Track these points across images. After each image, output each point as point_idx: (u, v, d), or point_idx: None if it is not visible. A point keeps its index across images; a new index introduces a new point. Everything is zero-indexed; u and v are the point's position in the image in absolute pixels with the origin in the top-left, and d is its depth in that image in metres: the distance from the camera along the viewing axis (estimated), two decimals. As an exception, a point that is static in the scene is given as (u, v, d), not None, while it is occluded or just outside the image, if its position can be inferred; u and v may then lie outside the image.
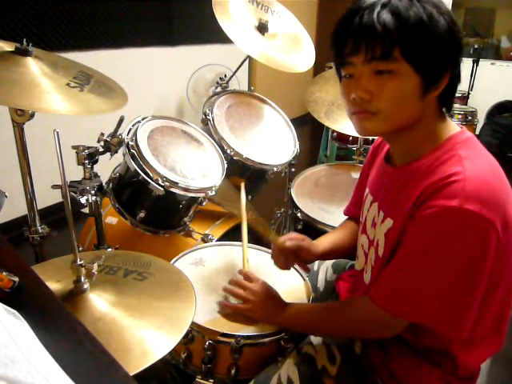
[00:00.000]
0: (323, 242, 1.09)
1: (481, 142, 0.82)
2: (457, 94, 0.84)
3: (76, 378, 0.44)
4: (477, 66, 3.93)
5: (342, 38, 0.77)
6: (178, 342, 0.71)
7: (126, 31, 2.88)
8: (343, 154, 2.99)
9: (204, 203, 1.37)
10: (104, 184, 1.34)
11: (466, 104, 3.82)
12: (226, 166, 1.45)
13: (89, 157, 1.27)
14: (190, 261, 1.18)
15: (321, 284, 1.18)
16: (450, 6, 4.16)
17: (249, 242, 1.29)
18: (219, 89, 1.76)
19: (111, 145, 1.31)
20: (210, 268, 1.16)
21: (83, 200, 1.25)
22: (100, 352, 0.50)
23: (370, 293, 0.83)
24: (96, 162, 1.30)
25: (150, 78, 3.12)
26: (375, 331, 0.86)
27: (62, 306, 0.56)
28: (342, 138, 2.75)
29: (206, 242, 1.41)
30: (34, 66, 1.04)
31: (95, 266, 0.76)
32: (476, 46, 4.08)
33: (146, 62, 3.06)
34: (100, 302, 0.75)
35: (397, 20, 0.71)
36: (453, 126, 0.82)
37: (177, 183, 1.27)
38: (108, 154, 1.33)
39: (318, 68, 2.32)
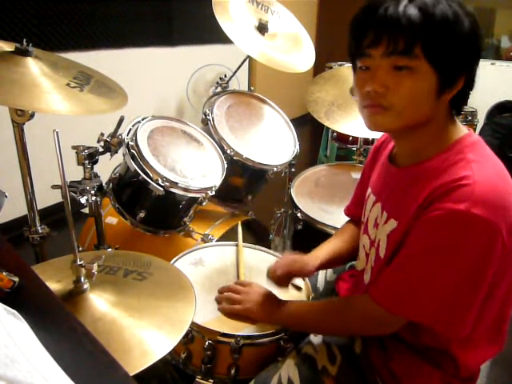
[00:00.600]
0: (319, 255, 1.06)
1: (482, 143, 0.81)
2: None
3: (76, 378, 0.44)
4: (477, 65, 3.92)
5: (363, 29, 0.75)
6: (177, 342, 0.71)
7: (126, 31, 2.88)
8: (343, 154, 2.99)
9: (204, 203, 1.37)
10: (104, 184, 1.33)
11: (466, 104, 3.80)
12: (225, 166, 1.45)
13: (89, 157, 1.27)
14: (189, 261, 1.18)
15: (320, 284, 1.18)
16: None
17: (248, 241, 1.29)
18: (219, 89, 1.76)
19: (111, 145, 1.31)
20: (209, 268, 1.16)
21: (83, 200, 1.25)
22: (100, 352, 0.50)
23: (370, 291, 0.83)
24: (96, 162, 1.30)
25: (150, 78, 3.11)
26: (374, 329, 0.86)
27: (62, 306, 0.56)
28: (342, 138, 2.75)
29: (205, 242, 1.41)
30: (34, 66, 1.04)
31: (95, 266, 0.76)
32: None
33: (146, 61, 3.06)
34: (100, 302, 0.75)
35: (423, 16, 0.70)
36: (461, 129, 0.82)
37: (177, 183, 1.27)
38: (108, 154, 1.33)
39: (318, 68, 2.32)
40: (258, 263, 1.20)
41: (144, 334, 0.71)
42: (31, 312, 0.49)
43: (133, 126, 1.34)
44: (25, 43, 1.05)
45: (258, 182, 1.67)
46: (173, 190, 1.27)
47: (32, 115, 1.09)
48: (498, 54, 4.57)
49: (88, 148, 1.26)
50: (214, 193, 1.36)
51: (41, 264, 0.94)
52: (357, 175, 1.78)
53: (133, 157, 1.26)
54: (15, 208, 1.71)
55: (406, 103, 0.74)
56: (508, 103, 3.88)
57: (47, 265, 0.93)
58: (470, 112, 3.34)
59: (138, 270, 0.87)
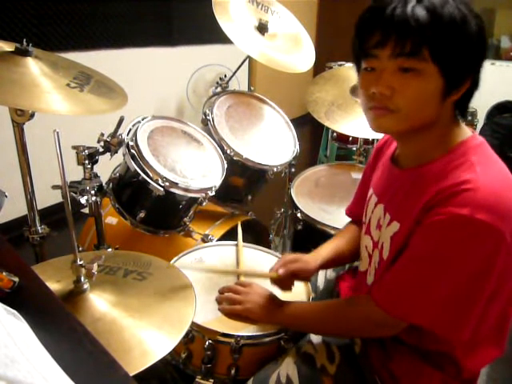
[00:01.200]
0: (321, 255, 1.05)
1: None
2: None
3: (76, 378, 0.44)
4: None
5: (369, 29, 0.74)
6: (178, 342, 0.71)
7: (126, 31, 2.88)
8: (343, 154, 2.98)
9: (204, 203, 1.37)
10: (104, 184, 1.33)
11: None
12: (225, 166, 1.45)
13: (89, 157, 1.26)
14: (189, 261, 1.18)
15: (321, 283, 1.18)
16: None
17: (248, 241, 1.29)
18: (219, 89, 1.76)
19: (111, 145, 1.30)
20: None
21: (83, 200, 1.25)
22: (100, 352, 0.50)
23: (372, 293, 0.83)
24: (96, 162, 1.30)
25: (150, 78, 3.11)
26: (374, 331, 0.86)
27: (62, 306, 0.56)
28: (342, 138, 2.75)
29: (205, 242, 1.41)
30: (34, 66, 1.04)
31: (95, 266, 0.76)
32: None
33: (146, 61, 3.06)
34: (100, 302, 0.75)
35: (431, 17, 0.69)
36: (465, 131, 0.81)
37: (177, 183, 1.27)
38: (108, 154, 1.33)
39: (318, 68, 2.31)
40: (258, 263, 1.20)
41: (144, 334, 0.71)
42: (31, 312, 0.49)
43: (133, 126, 1.34)
44: (25, 43, 1.05)
45: (257, 182, 1.67)
46: (173, 190, 1.27)
47: (32, 115, 1.09)
48: (498, 54, 4.57)
49: (88, 148, 1.26)
50: (213, 193, 1.36)
51: (41, 264, 0.94)
52: (357, 175, 1.78)
53: (133, 157, 1.26)
54: (15, 208, 1.71)
55: (412, 106, 0.74)
56: (508, 103, 3.87)
57: (47, 265, 0.93)
58: (469, 112, 3.34)
59: (137, 270, 0.87)
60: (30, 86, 0.99)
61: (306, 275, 1.05)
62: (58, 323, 0.53)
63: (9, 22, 2.22)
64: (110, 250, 1.35)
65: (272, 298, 1.00)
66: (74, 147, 1.25)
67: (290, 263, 1.02)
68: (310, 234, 1.52)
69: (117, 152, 1.32)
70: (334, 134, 2.84)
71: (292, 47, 1.79)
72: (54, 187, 1.16)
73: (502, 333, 0.85)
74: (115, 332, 0.70)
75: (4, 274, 0.55)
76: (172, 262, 1.13)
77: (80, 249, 1.49)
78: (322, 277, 1.19)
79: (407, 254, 0.78)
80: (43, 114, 1.03)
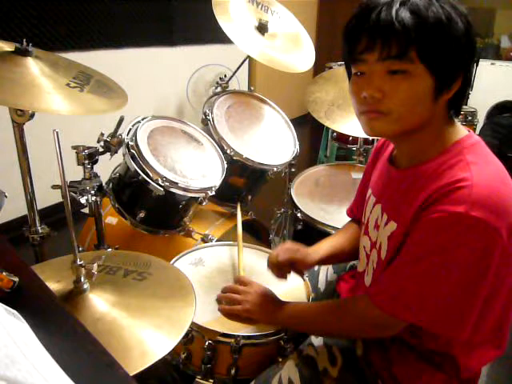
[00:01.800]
0: (321, 249, 1.06)
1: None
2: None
3: (76, 378, 0.44)
4: (477, 66, 3.92)
5: (356, 34, 0.74)
6: (177, 342, 0.71)
7: (126, 31, 2.88)
8: (343, 154, 2.98)
9: (204, 203, 1.37)
10: (104, 184, 1.33)
11: (466, 104, 3.81)
12: (225, 166, 1.45)
13: (89, 157, 1.26)
14: (189, 261, 1.18)
15: (321, 284, 1.18)
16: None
17: (248, 241, 1.29)
18: (219, 89, 1.76)
19: (111, 145, 1.31)
20: (209, 268, 1.16)
21: (83, 200, 1.25)
22: (100, 352, 0.50)
23: (370, 293, 0.83)
24: (96, 162, 1.30)
25: (150, 78, 3.11)
26: (373, 331, 0.86)
27: (62, 306, 0.56)
28: (342, 138, 2.75)
29: (205, 242, 1.41)
30: (34, 66, 1.04)
31: (95, 266, 0.76)
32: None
33: (145, 61, 3.06)
34: (100, 302, 0.75)
35: (416, 19, 0.69)
36: (460, 130, 0.81)
37: (177, 183, 1.27)
38: (108, 154, 1.33)
39: (318, 68, 2.32)
40: (257, 263, 1.20)
41: (144, 334, 0.71)
42: (31, 312, 0.49)
43: (133, 125, 1.34)
44: (25, 43, 1.05)
45: (257, 181, 1.67)
46: (173, 189, 1.27)
47: (32, 115, 1.09)
48: (498, 54, 4.57)
49: (88, 148, 1.26)
50: (213, 193, 1.36)
51: (41, 264, 0.94)
52: (357, 175, 1.78)
53: (133, 157, 1.26)
54: (15, 208, 1.71)
55: (403, 107, 0.74)
56: (508, 103, 3.87)
57: (47, 265, 0.93)
58: (469, 112, 3.34)
59: (137, 270, 0.87)
60: (29, 85, 0.99)
61: (303, 267, 1.05)
62: (58, 323, 0.53)
63: (9, 22, 2.22)
64: (109, 249, 1.35)
65: (272, 298, 1.00)
66: (74, 147, 1.25)
67: (291, 251, 1.02)
68: (309, 234, 1.52)
69: (117, 152, 1.32)
70: (334, 133, 2.84)
71: (292, 47, 1.80)
72: (54, 187, 1.16)
73: (501, 333, 0.85)
74: (115, 332, 0.70)
75: (4, 273, 0.55)
76: (172, 262, 1.13)
77: (80, 249, 1.49)
78: (322, 278, 1.19)
79: (404, 252, 0.78)
80: (43, 114, 1.03)
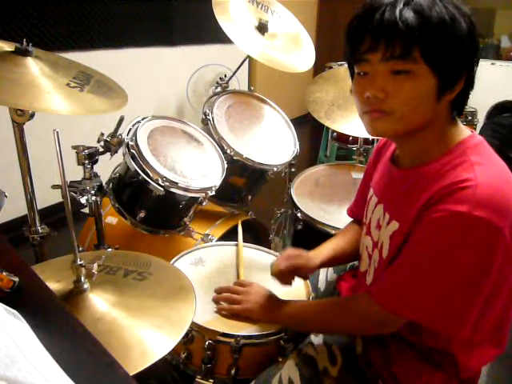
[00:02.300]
0: (322, 252, 1.06)
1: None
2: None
3: (76, 378, 0.44)
4: (477, 66, 3.92)
5: (360, 34, 0.74)
6: (177, 342, 0.71)
7: (126, 31, 2.88)
8: (343, 154, 2.98)
9: (204, 203, 1.37)
10: (104, 184, 1.34)
11: (466, 104, 3.80)
12: (226, 166, 1.45)
13: (89, 157, 1.27)
14: (189, 261, 1.18)
15: (321, 284, 1.18)
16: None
17: (248, 241, 1.29)
18: (219, 89, 1.76)
19: (111, 145, 1.31)
20: (209, 268, 1.16)
21: (83, 200, 1.25)
22: (100, 352, 0.50)
23: (371, 290, 0.83)
24: (96, 162, 1.30)
25: (150, 78, 3.11)
26: (373, 328, 0.86)
27: (62, 306, 0.56)
28: (342, 138, 2.75)
29: (205, 242, 1.41)
30: (34, 66, 1.04)
31: (95, 266, 0.76)
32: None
33: (146, 61, 3.06)
34: (100, 302, 0.75)
35: (420, 19, 0.69)
36: (463, 130, 0.81)
37: (177, 183, 1.27)
38: (108, 154, 1.33)
39: (318, 68, 2.32)
40: (257, 263, 1.20)
41: (144, 334, 0.71)
42: (31, 312, 0.49)
43: (133, 125, 1.34)
44: (25, 43, 1.05)
45: (257, 181, 1.67)
46: (173, 189, 1.27)
47: (32, 115, 1.09)
48: (498, 54, 4.57)
49: (88, 148, 1.26)
50: (213, 193, 1.36)
51: (41, 264, 0.94)
52: (357, 175, 1.78)
53: (133, 157, 1.26)
54: (15, 208, 1.71)
55: (406, 107, 0.74)
56: (508, 103, 3.87)
57: (47, 265, 0.93)
58: (469, 112, 3.34)
59: (137, 270, 0.87)
60: (29, 85, 0.99)
61: (306, 272, 1.05)
62: (58, 323, 0.53)
63: (9, 22, 2.22)
64: (109, 249, 1.35)
65: (272, 298, 1.00)
66: (74, 147, 1.25)
67: (292, 258, 1.02)
68: (309, 234, 1.52)
69: (117, 152, 1.32)
70: (334, 133, 2.84)
71: (292, 47, 1.79)
72: (54, 187, 1.16)
73: (502, 331, 0.85)
74: (115, 332, 0.70)
75: (4, 273, 0.55)
76: (172, 262, 1.13)
77: (80, 249, 1.49)
78: (322, 278, 1.19)
79: (406, 251, 0.78)
80: (43, 114, 1.03)
